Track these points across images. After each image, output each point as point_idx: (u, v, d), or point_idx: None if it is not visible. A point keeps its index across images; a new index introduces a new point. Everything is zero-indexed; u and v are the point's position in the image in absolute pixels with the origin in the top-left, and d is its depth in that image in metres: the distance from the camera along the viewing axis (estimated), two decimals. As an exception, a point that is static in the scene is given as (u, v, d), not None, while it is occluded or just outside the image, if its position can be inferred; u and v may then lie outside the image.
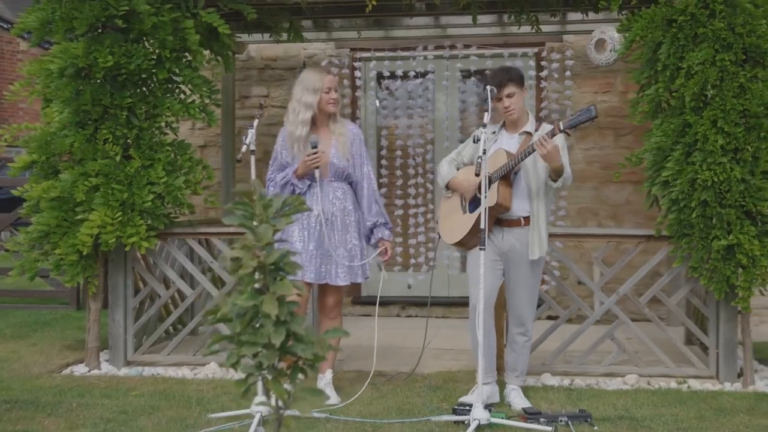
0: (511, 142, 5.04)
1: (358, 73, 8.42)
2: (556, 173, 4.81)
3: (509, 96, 4.94)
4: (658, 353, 5.75)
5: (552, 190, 4.93)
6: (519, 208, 4.95)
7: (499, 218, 4.95)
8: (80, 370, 6.14)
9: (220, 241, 6.33)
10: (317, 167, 5.08)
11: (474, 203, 5.02)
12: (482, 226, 4.51)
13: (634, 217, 8.34)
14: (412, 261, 8.36)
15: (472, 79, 8.15)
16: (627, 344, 5.93)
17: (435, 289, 8.52)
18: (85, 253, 5.85)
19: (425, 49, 8.24)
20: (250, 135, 4.92)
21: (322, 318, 5.32)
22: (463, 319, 8.39)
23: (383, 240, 5.31)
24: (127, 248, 5.97)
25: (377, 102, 8.65)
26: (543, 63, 8.18)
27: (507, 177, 4.90)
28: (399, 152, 8.29)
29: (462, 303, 8.53)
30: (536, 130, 5.05)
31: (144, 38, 5.99)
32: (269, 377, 2.67)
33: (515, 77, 4.98)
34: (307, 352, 2.73)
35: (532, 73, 8.21)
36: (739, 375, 5.63)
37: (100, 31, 6.00)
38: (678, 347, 5.83)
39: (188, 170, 6.10)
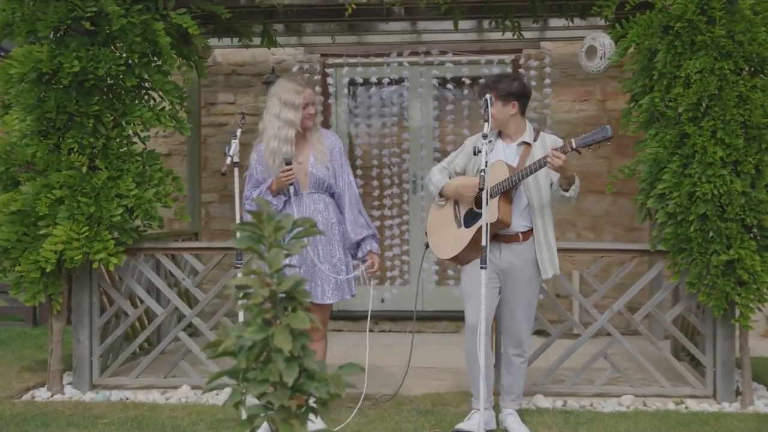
0: (508, 152, 4.79)
1: (330, 80, 8.12)
2: (568, 182, 4.57)
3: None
4: (653, 373, 5.54)
5: (565, 200, 4.68)
6: (518, 224, 4.70)
7: (497, 234, 4.69)
8: (42, 394, 5.74)
9: (192, 257, 5.99)
10: (291, 183, 4.78)
11: (470, 217, 4.76)
12: (483, 243, 4.24)
13: (613, 229, 8.17)
14: (387, 273, 8.05)
15: (449, 86, 7.89)
16: (615, 360, 5.69)
17: (409, 302, 8.26)
18: (48, 270, 5.47)
19: (399, 55, 7.97)
20: (234, 146, 4.57)
21: (306, 340, 4.99)
22: (438, 335, 8.17)
23: (371, 253, 4.97)
24: (95, 265, 5.59)
25: (349, 110, 8.36)
26: (521, 70, 7.97)
27: (508, 192, 4.64)
28: (374, 161, 8.01)
29: (437, 317, 8.33)
30: (535, 140, 4.81)
31: (112, 42, 5.64)
32: (278, 419, 2.38)
33: (491, 86, 4.73)
34: (321, 390, 2.44)
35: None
36: (736, 394, 5.45)
37: (62, 33, 5.63)
38: (673, 366, 5.62)
39: (158, 182, 5.75)
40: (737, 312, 5.30)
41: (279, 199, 4.83)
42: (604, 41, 5.49)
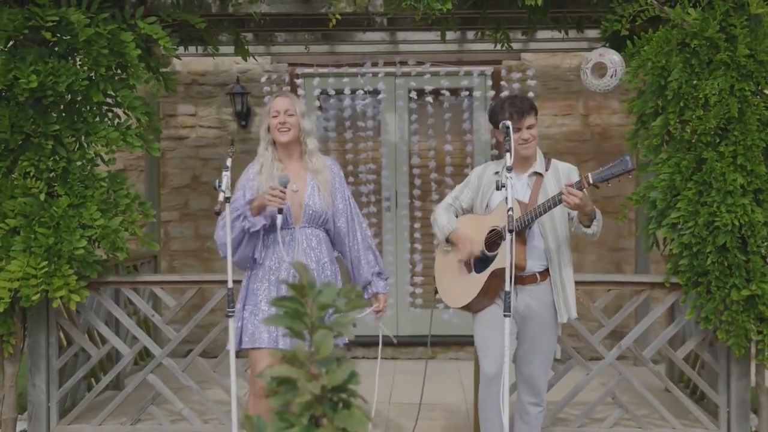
0: (518, 185, 4.33)
1: (300, 91, 7.62)
2: (588, 218, 4.16)
3: (530, 127, 4.26)
4: (664, 413, 5.17)
5: (588, 237, 4.27)
6: (534, 264, 4.27)
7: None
8: (-7, 446, 5.17)
9: (163, 292, 5.42)
10: (277, 207, 4.07)
11: (482, 261, 4.31)
12: (507, 289, 3.80)
13: (596, 249, 7.83)
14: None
15: (427, 98, 7.46)
16: (607, 387, 5.30)
17: (385, 328, 7.80)
18: (0, 310, 4.89)
19: (374, 65, 7.51)
20: (225, 179, 3.94)
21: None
22: (415, 361, 7.71)
23: (379, 294, 4.44)
24: (54, 304, 5.01)
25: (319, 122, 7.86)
26: (502, 83, 7.57)
27: (521, 232, 4.19)
28: (349, 179, 7.51)
29: (413, 343, 7.87)
30: (547, 169, 4.39)
31: (71, 54, 5.07)
32: None
33: (535, 107, 4.32)
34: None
35: (492, 92, 7.59)
36: (752, 435, 5.14)
37: (14, 44, 5.05)
38: (686, 406, 5.27)
39: (125, 209, 5.18)
40: (753, 349, 4.98)
41: (258, 220, 4.13)
42: (614, 58, 5.09)
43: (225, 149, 7.93)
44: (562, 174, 4.34)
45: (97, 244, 5.14)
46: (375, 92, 7.60)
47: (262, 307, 4.17)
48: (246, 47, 6.14)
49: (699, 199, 4.87)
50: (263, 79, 7.60)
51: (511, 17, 5.88)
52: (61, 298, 4.96)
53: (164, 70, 5.57)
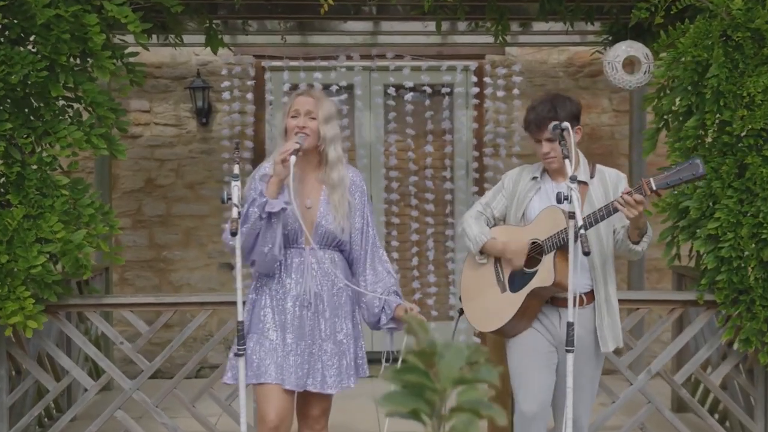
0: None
1: (268, 86, 6.95)
2: (639, 233, 3.61)
3: (549, 140, 3.70)
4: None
5: (632, 254, 3.74)
6: (577, 283, 3.70)
7: (554, 296, 3.71)
8: (-67, 499, 4.41)
9: (132, 315, 4.71)
10: (296, 150, 3.45)
11: (519, 278, 3.74)
12: (570, 319, 3.25)
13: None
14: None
15: (410, 95, 6.87)
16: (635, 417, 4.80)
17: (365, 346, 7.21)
18: (-56, 340, 4.15)
19: (349, 58, 6.89)
20: (236, 191, 3.24)
21: (304, 430, 3.84)
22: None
23: (400, 305, 3.66)
24: (8, 332, 4.29)
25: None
26: (488, 79, 7.02)
27: (565, 246, 3.63)
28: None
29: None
30: (592, 177, 3.85)
31: (29, 39, 4.36)
32: None
33: (569, 113, 3.73)
34: None
35: (476, 89, 7.03)
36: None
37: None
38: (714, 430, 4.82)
39: (89, 220, 4.47)
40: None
41: (277, 203, 3.43)
42: (646, 52, 4.58)
43: (184, 149, 7.22)
44: (610, 182, 3.81)
45: (56, 261, 4.44)
46: (349, 88, 6.98)
47: (269, 336, 3.54)
48: (220, 37, 5.46)
49: (741, 209, 4.41)
50: (224, 72, 6.90)
51: (518, 6, 5.36)
52: (14, 324, 4.24)
53: (131, 60, 4.83)
